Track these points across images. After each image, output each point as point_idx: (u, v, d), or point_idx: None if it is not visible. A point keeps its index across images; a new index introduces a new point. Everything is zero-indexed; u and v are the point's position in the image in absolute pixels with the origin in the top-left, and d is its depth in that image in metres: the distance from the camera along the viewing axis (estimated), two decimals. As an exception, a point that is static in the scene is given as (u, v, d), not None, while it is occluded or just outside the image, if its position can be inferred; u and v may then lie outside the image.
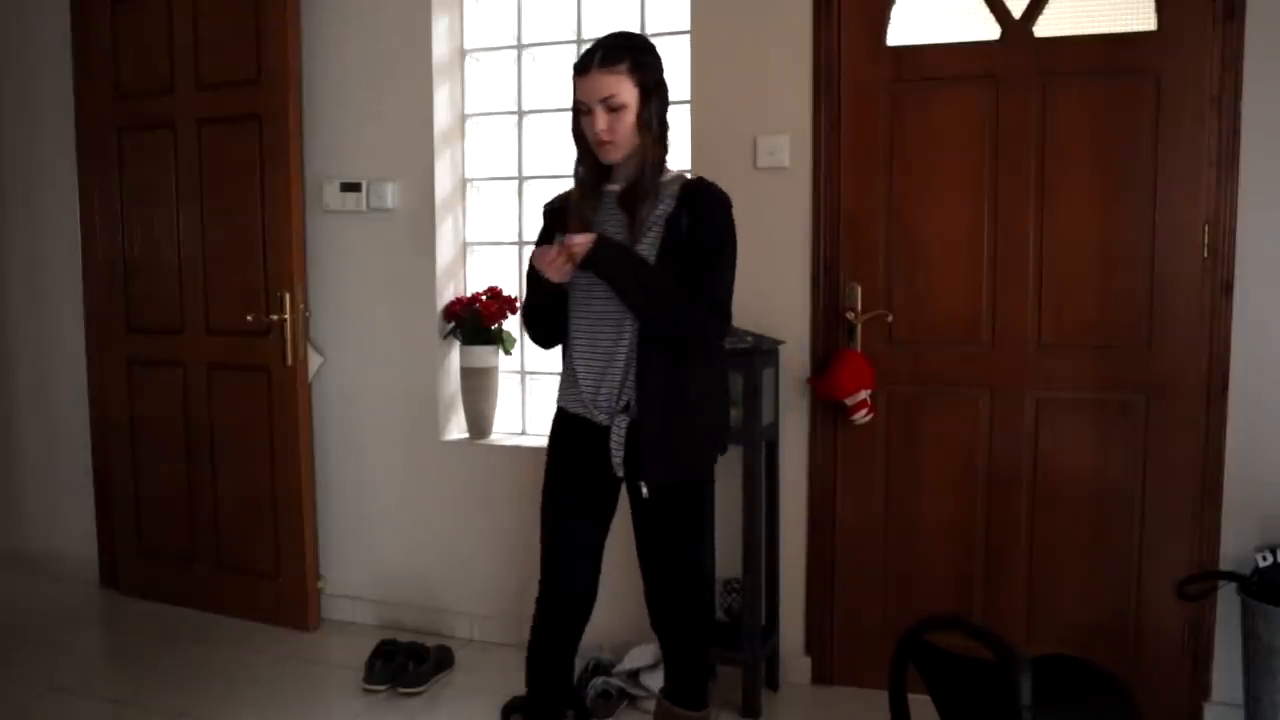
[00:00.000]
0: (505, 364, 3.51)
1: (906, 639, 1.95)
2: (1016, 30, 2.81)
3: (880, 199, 2.93)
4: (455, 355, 3.51)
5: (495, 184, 3.59)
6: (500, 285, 3.44)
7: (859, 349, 2.94)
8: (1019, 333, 2.85)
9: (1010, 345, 2.86)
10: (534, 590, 3.37)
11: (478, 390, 3.45)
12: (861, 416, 2.90)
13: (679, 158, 3.22)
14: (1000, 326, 2.87)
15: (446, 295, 3.49)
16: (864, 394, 2.88)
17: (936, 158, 2.89)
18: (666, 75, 2.18)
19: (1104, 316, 2.78)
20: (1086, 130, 2.76)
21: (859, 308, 2.95)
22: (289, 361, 3.45)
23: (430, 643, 3.24)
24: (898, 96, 2.90)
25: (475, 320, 3.38)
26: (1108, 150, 2.75)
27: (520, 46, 3.49)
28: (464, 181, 3.57)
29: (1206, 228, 2.67)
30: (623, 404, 2.11)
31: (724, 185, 3.13)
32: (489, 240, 3.60)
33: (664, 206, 2.12)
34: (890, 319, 2.93)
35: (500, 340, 3.42)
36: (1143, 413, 2.76)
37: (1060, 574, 2.87)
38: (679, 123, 3.19)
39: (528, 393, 3.60)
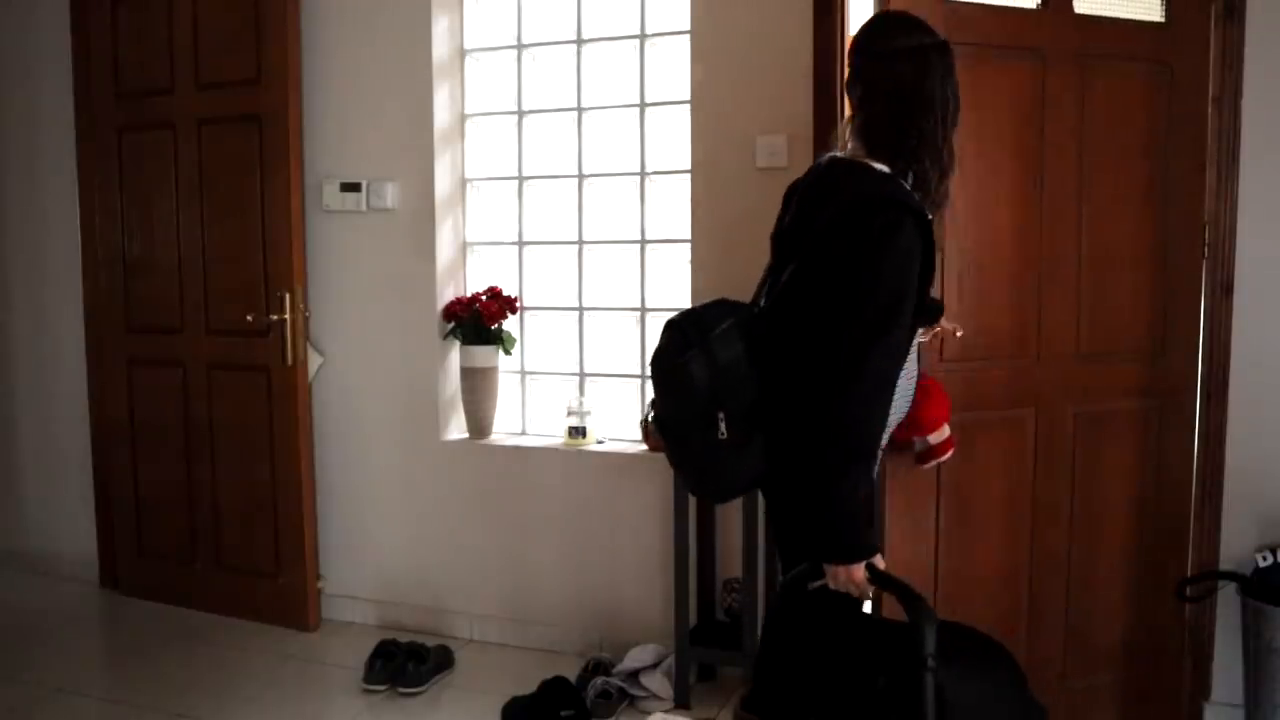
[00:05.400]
0: (505, 364, 3.51)
1: (788, 586, 1.82)
2: (1058, 1, 2.51)
3: None
4: (455, 355, 3.51)
5: (495, 184, 3.59)
6: (500, 285, 3.44)
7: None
8: (1063, 343, 2.57)
9: (1055, 357, 2.57)
10: (533, 589, 3.39)
11: (478, 390, 3.45)
12: (947, 458, 2.32)
13: (679, 158, 3.23)
14: (1046, 337, 2.55)
15: (446, 295, 3.49)
16: (948, 428, 2.31)
17: (984, 144, 2.45)
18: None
19: (1130, 320, 2.64)
20: (1117, 121, 2.58)
21: None
22: (289, 361, 3.45)
23: (430, 643, 3.23)
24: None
25: (475, 320, 3.38)
26: (1133, 143, 2.61)
27: (520, 46, 3.49)
28: (464, 181, 3.57)
29: (1206, 228, 2.66)
30: None
31: (724, 185, 3.15)
32: (489, 240, 3.60)
33: None
34: (959, 333, 2.38)
35: (500, 340, 3.42)
36: (1157, 417, 2.68)
37: (1095, 588, 2.67)
38: (681, 123, 3.21)
39: (528, 393, 3.60)
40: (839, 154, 1.92)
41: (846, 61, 1.91)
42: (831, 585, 1.74)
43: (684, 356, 1.83)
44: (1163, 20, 2.61)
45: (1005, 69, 2.48)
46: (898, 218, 1.74)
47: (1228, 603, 2.68)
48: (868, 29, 1.92)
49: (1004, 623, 2.53)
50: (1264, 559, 2.55)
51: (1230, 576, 2.62)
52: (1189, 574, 2.72)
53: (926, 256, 1.78)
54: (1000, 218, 2.51)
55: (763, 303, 1.93)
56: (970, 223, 2.46)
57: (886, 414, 1.81)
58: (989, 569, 2.56)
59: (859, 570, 1.72)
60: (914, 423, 2.22)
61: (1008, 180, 2.51)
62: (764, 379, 1.82)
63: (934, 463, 2.32)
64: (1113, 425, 2.66)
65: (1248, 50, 2.59)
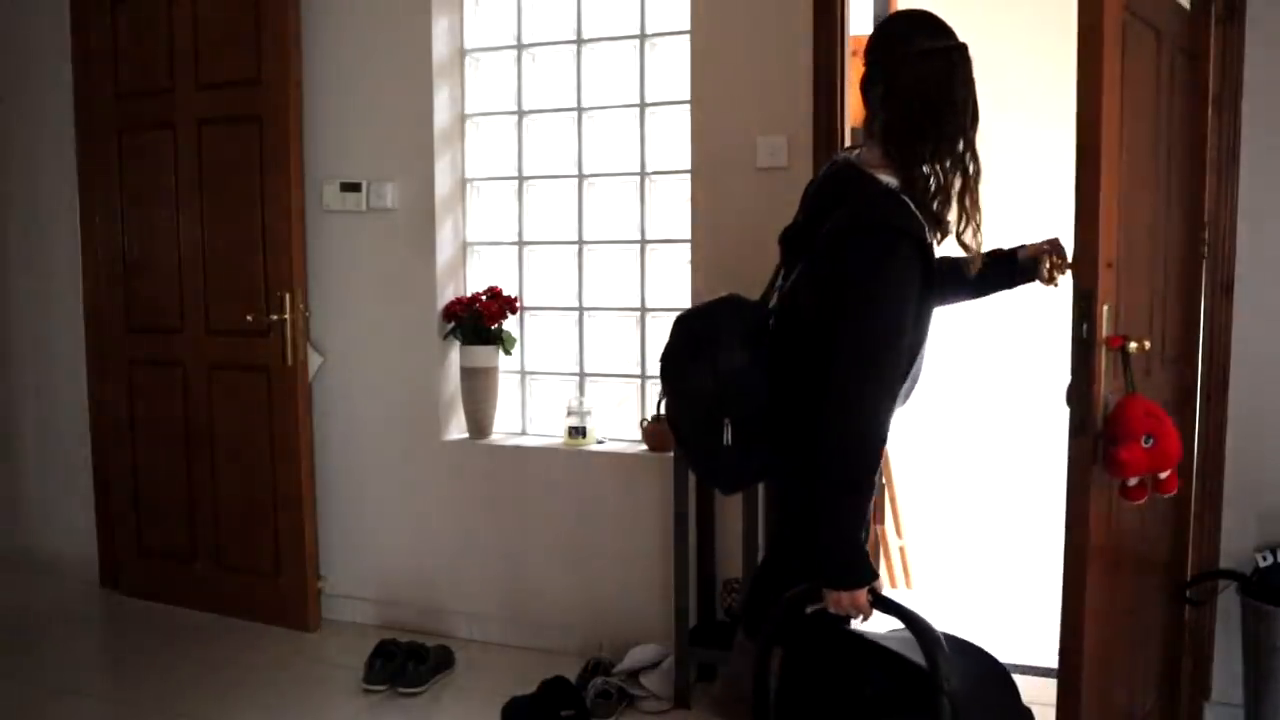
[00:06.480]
0: (505, 364, 3.51)
1: (785, 612, 1.78)
2: None
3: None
4: (455, 355, 3.51)
5: (495, 184, 3.59)
6: (500, 285, 3.44)
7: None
8: (1156, 344, 2.37)
9: (1155, 362, 2.39)
10: (533, 589, 3.39)
11: (478, 390, 3.45)
12: (1169, 495, 2.19)
13: (679, 158, 3.23)
14: (1154, 340, 2.34)
15: (446, 295, 3.49)
16: None
17: (1136, 123, 2.22)
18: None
19: (1180, 319, 2.60)
20: (1181, 111, 2.50)
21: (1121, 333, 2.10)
22: (289, 361, 3.45)
23: (430, 643, 3.23)
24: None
25: (475, 320, 3.38)
26: (1181, 136, 2.54)
27: (520, 46, 3.48)
28: (464, 181, 3.57)
29: (1207, 228, 2.66)
30: None
31: (724, 185, 3.15)
32: (489, 240, 3.60)
33: None
34: (1149, 346, 2.17)
35: (500, 340, 3.41)
36: (1180, 418, 2.58)
37: (1152, 603, 2.59)
38: (681, 123, 3.21)
39: (528, 393, 3.60)
40: (852, 156, 1.88)
41: (862, 60, 1.84)
42: (832, 609, 1.71)
43: (690, 364, 1.82)
44: (1186, 6, 2.56)
45: (1143, 44, 2.26)
46: (891, 243, 1.70)
47: (1228, 603, 2.68)
48: (889, 28, 1.85)
49: (1125, 652, 2.43)
50: (1264, 559, 2.55)
51: (1230, 576, 2.62)
52: (1189, 574, 2.72)
53: (927, 276, 1.74)
54: (1144, 215, 2.32)
55: (772, 302, 1.90)
56: (1129, 219, 2.19)
57: (884, 438, 1.75)
58: (1126, 599, 2.42)
59: (861, 595, 1.69)
60: (1156, 455, 2.10)
61: (1145, 169, 2.32)
62: (772, 385, 1.80)
63: (1145, 499, 2.15)
64: None
65: (1248, 50, 2.58)
